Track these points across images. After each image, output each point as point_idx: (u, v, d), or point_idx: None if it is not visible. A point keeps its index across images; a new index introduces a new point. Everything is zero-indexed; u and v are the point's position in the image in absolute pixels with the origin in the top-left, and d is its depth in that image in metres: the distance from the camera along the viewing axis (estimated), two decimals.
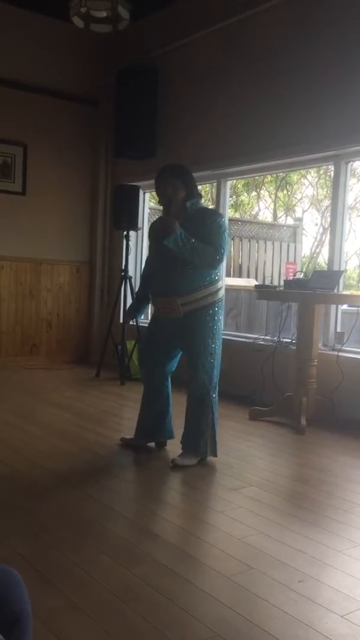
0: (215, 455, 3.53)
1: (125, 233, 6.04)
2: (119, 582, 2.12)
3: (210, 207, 5.47)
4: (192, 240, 3.33)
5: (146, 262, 3.88)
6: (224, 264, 3.64)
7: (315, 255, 13.41)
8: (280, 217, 14.08)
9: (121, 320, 6.01)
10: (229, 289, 6.93)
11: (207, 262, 3.37)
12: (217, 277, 3.48)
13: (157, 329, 3.64)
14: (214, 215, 3.54)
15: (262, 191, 14.25)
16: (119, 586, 2.09)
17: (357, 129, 4.51)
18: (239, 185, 13.04)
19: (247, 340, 5.47)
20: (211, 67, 5.70)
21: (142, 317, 5.41)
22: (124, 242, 6.06)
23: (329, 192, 11.14)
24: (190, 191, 3.48)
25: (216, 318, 3.48)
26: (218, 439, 3.55)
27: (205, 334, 3.45)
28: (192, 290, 3.41)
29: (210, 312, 3.45)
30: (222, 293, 3.54)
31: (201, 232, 3.36)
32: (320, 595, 2.10)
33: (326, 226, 12.31)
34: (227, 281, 6.79)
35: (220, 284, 3.53)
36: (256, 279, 8.61)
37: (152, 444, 3.81)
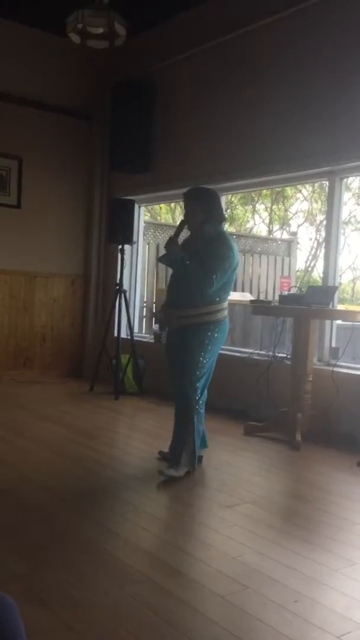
0: (193, 469, 3.52)
1: (120, 247, 6.04)
2: (112, 602, 2.10)
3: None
4: (187, 263, 3.46)
5: None
6: (229, 289, 3.63)
7: (310, 269, 13.45)
8: (275, 231, 14.13)
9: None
10: None
11: (196, 286, 3.44)
12: (217, 299, 3.52)
13: (168, 342, 3.77)
14: (221, 243, 3.52)
15: (257, 205, 14.30)
16: (113, 605, 2.07)
17: (352, 145, 4.54)
18: (234, 199, 13.09)
19: (242, 355, 5.45)
20: (207, 82, 5.73)
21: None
22: (119, 255, 6.06)
23: (323, 206, 11.20)
24: (210, 215, 3.58)
25: (211, 335, 3.50)
26: (197, 452, 3.54)
27: (195, 349, 3.49)
28: (190, 306, 3.50)
29: (205, 330, 3.49)
30: (221, 315, 3.56)
31: (204, 256, 3.45)
32: (315, 615, 2.08)
33: (321, 240, 12.36)
34: None
35: (220, 306, 3.55)
36: (251, 292, 8.62)
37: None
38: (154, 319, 4.05)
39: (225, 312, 3.61)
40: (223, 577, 2.33)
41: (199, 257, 3.46)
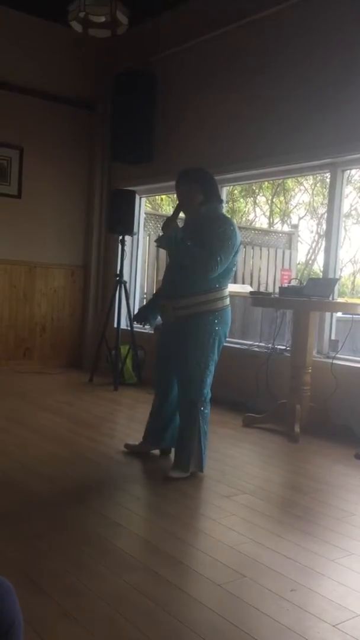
0: (201, 470, 3.40)
1: (120, 238, 6.03)
2: (110, 590, 2.11)
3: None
4: (188, 243, 3.29)
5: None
6: (229, 275, 3.45)
7: (310, 262, 13.44)
8: (276, 224, 14.11)
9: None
10: None
11: (200, 267, 3.25)
12: (217, 286, 3.34)
13: (162, 333, 3.62)
14: (222, 222, 3.38)
15: (258, 197, 14.27)
16: (111, 593, 2.08)
17: (354, 137, 4.53)
18: (235, 192, 13.06)
19: (241, 347, 5.46)
20: (209, 73, 5.71)
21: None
22: (120, 246, 6.05)
23: (324, 199, 11.18)
24: (209, 196, 3.43)
25: (211, 328, 3.32)
26: (206, 454, 3.42)
27: (194, 344, 3.32)
28: (186, 295, 3.33)
29: (205, 321, 3.31)
30: (222, 304, 3.37)
31: (205, 237, 3.29)
32: (312, 604, 2.09)
33: (322, 233, 12.35)
34: None
35: (220, 294, 3.36)
36: (251, 285, 8.61)
37: (157, 451, 3.77)
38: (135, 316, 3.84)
39: (227, 301, 3.41)
40: (221, 566, 2.34)
41: (199, 239, 3.29)
